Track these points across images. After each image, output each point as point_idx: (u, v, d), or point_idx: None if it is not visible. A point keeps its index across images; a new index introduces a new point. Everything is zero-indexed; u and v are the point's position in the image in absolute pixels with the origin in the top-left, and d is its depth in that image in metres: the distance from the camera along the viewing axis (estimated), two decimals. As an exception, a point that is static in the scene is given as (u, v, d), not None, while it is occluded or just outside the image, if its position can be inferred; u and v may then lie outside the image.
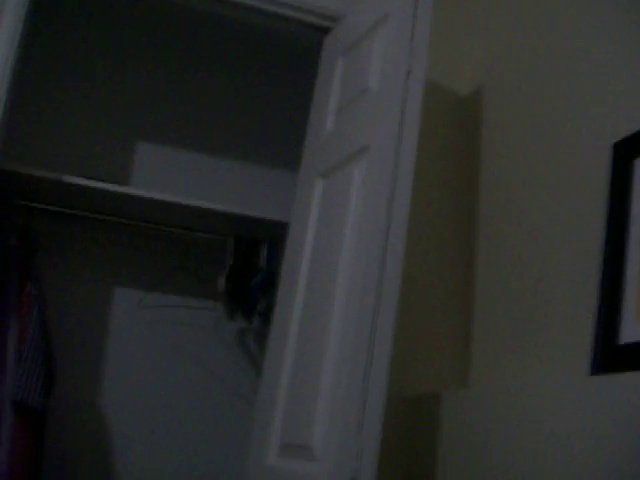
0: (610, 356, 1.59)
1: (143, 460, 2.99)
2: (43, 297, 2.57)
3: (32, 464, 2.39)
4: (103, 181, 2.76)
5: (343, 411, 1.71)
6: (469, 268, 2.27)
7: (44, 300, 2.60)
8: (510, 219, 2.12)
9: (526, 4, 2.26)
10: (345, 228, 1.96)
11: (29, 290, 2.50)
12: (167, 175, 3.13)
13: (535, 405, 1.67)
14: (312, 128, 2.39)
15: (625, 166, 1.70)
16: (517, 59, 2.25)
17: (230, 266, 2.91)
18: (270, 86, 3.33)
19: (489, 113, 2.35)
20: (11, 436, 2.35)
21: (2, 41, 2.20)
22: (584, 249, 1.79)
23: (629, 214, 1.65)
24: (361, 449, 1.64)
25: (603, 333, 1.62)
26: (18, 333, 2.45)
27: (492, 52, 2.40)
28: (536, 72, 2.13)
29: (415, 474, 2.09)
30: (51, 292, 2.84)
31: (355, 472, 1.63)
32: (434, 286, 2.31)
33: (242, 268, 2.93)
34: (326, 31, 2.51)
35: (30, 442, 2.40)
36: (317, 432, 1.78)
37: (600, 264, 1.69)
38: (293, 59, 3.31)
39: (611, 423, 1.44)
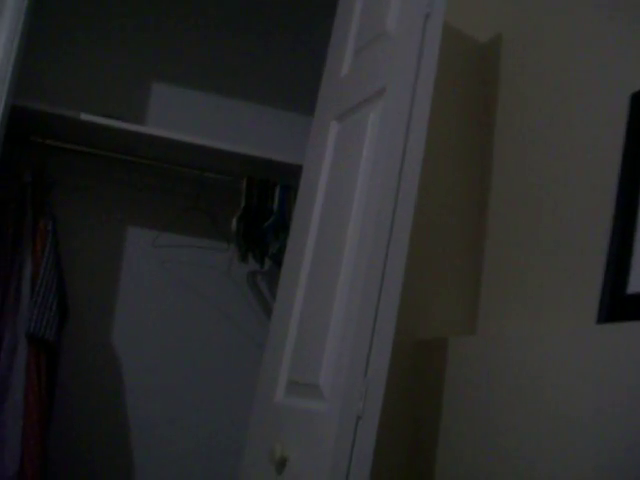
0: (618, 305, 1.60)
1: (153, 397, 3.05)
2: (57, 234, 2.60)
3: (45, 397, 2.44)
4: (119, 120, 2.76)
5: (351, 352, 1.73)
6: (481, 213, 2.27)
7: (58, 237, 2.62)
8: (524, 166, 2.11)
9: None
10: (358, 171, 1.96)
11: (43, 226, 2.53)
12: (182, 116, 3.13)
13: (541, 352, 1.68)
14: (328, 71, 2.37)
15: (642, 116, 1.69)
16: (537, 6, 2.22)
17: (243, 208, 2.92)
18: (289, 28, 3.30)
19: (507, 60, 2.33)
20: (25, 368, 2.40)
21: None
22: (597, 198, 1.79)
23: (644, 164, 1.64)
24: (367, 390, 1.67)
25: (612, 282, 1.63)
26: (32, 268, 2.48)
27: (513, -2, 2.37)
28: (556, 20, 2.10)
29: (420, 416, 2.12)
30: (65, 229, 2.86)
31: (361, 412, 1.66)
32: (446, 230, 2.31)
33: (255, 210, 2.94)
34: (345, -28, 2.47)
35: (43, 375, 2.44)
36: (325, 371, 1.81)
37: (612, 213, 1.68)
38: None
39: (617, 371, 1.45)
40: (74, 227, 2.97)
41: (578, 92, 1.94)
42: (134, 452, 3.01)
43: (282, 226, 2.91)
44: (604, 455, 1.43)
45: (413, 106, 1.82)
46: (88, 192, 3.01)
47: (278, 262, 2.94)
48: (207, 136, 2.91)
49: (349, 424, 1.67)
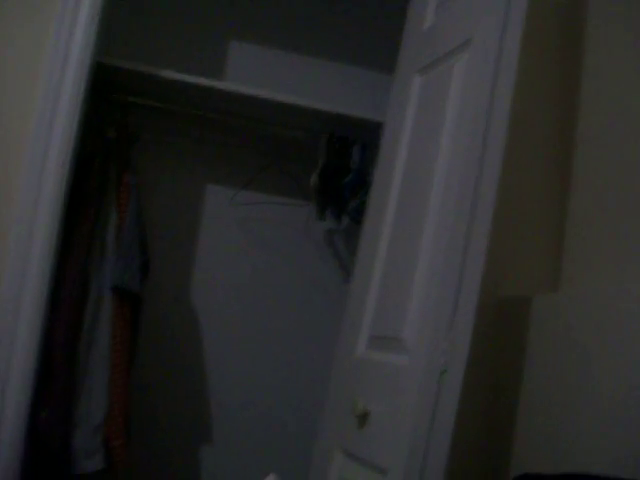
0: None
1: (229, 353, 3.09)
2: (139, 188, 2.63)
3: (129, 345, 2.50)
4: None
5: (436, 306, 1.72)
6: (566, 166, 2.22)
7: (140, 191, 2.66)
8: (613, 119, 2.05)
9: None
10: (443, 126, 1.93)
11: (127, 180, 2.57)
12: (262, 74, 3.11)
13: (627, 309, 1.64)
14: (410, 24, 2.33)
15: None
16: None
17: (322, 164, 2.91)
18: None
19: (595, 15, 2.25)
20: (110, 319, 2.46)
21: None
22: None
23: None
24: (452, 344, 1.66)
25: None
26: (116, 221, 2.52)
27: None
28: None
29: (501, 374, 2.10)
30: (145, 185, 2.89)
31: (445, 366, 1.65)
32: (529, 186, 2.26)
33: (334, 167, 2.93)
34: None
35: (128, 325, 2.50)
36: (409, 325, 1.80)
37: None
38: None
39: None
40: (154, 183, 3.00)
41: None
42: (212, 406, 3.06)
43: (360, 183, 2.90)
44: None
45: (500, 57, 1.77)
46: (168, 149, 3.03)
47: (355, 219, 2.93)
48: (287, 93, 2.90)
49: (433, 378, 1.66)
